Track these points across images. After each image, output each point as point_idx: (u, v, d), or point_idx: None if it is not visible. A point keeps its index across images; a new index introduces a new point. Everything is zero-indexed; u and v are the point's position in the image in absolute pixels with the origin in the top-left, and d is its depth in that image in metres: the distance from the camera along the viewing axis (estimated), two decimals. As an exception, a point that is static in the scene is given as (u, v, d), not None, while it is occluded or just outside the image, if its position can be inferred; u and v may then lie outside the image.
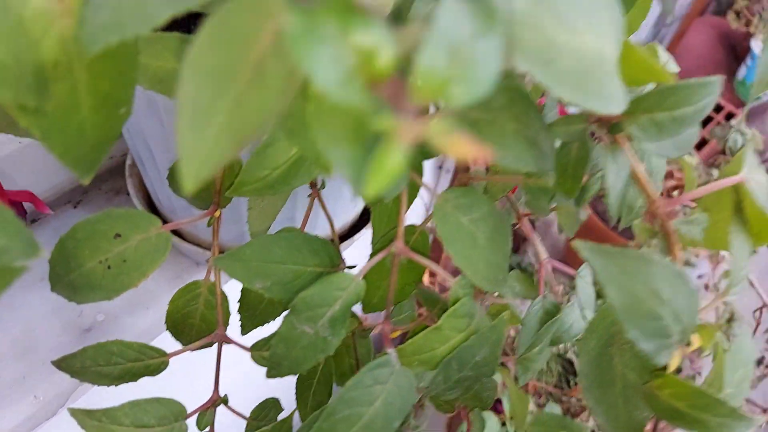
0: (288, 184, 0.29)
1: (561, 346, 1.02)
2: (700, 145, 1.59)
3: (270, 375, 0.26)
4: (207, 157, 0.12)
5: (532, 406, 1.09)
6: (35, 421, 0.50)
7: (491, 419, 0.97)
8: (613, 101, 0.20)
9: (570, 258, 1.66)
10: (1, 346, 0.53)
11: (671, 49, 1.77)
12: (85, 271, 0.26)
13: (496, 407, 1.08)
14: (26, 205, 0.44)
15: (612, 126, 0.23)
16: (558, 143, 0.26)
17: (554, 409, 1.06)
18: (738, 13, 1.69)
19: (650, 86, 0.24)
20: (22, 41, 0.15)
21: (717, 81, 0.22)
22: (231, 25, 0.12)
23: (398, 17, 0.15)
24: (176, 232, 0.56)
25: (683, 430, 0.26)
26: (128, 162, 0.59)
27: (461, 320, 0.26)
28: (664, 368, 0.26)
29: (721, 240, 0.25)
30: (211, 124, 0.12)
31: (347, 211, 0.61)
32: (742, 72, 1.67)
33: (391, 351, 0.25)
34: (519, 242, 1.55)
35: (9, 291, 0.50)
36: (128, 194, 0.58)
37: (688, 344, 0.24)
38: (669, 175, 1.10)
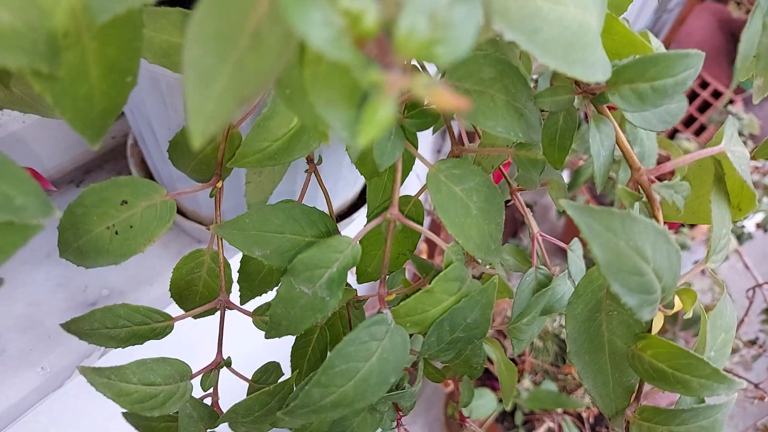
0: (288, 156, 0.30)
1: (556, 325, 1.03)
2: (699, 131, 1.60)
3: (269, 335, 0.27)
4: (212, 114, 0.14)
5: (528, 384, 1.11)
6: (42, 392, 0.52)
7: (488, 395, 0.99)
8: (598, 70, 0.21)
9: (567, 241, 1.67)
10: (8, 320, 0.54)
11: (672, 35, 1.76)
12: (93, 237, 0.27)
13: (493, 385, 1.10)
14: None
15: (596, 96, 0.24)
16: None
17: (550, 386, 1.09)
18: (739, 3, 1.69)
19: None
20: (35, 11, 0.16)
21: (697, 54, 0.23)
22: (230, -9, 0.13)
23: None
24: (179, 211, 0.57)
25: (667, 391, 0.27)
26: (130, 142, 0.60)
27: (452, 284, 0.27)
28: (649, 330, 0.27)
29: (702, 213, 0.26)
30: (215, 85, 0.13)
31: (346, 191, 0.62)
32: (742, 57, 1.66)
33: (386, 311, 0.26)
34: (517, 227, 1.56)
35: (15, 267, 0.52)
36: (130, 173, 0.59)
37: (671, 305, 0.25)
38: (665, 160, 1.10)
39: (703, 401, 0.27)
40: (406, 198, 0.31)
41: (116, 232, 0.27)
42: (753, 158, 0.27)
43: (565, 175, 1.42)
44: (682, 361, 0.25)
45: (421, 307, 0.26)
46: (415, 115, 0.28)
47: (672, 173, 0.26)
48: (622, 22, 0.23)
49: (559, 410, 1.10)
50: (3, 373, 0.51)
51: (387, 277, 0.28)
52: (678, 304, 0.24)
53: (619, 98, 0.24)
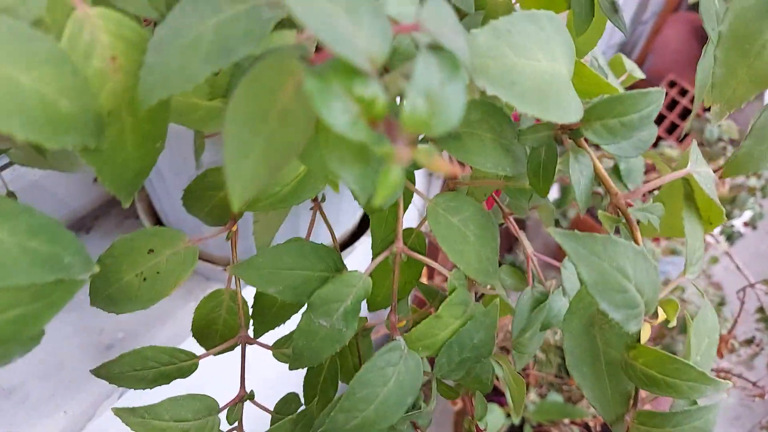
0: (297, 198, 0.33)
1: (558, 338, 1.05)
2: (682, 138, 1.64)
3: (293, 367, 0.30)
4: (248, 181, 0.16)
5: (534, 396, 1.13)
6: (66, 435, 0.54)
7: (496, 410, 1.00)
8: (571, 112, 0.24)
9: (561, 255, 1.70)
10: (30, 367, 0.56)
11: (648, 45, 1.82)
12: (124, 285, 0.30)
13: (500, 400, 1.11)
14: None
15: (573, 132, 0.27)
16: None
17: (556, 397, 1.10)
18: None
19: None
20: (86, 95, 0.19)
21: (657, 92, 0.26)
22: (261, 80, 0.16)
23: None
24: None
25: (659, 395, 0.29)
26: (138, 187, 0.63)
27: (458, 308, 0.29)
28: (639, 340, 0.30)
29: (677, 228, 0.29)
30: (249, 157, 0.16)
31: (346, 222, 0.65)
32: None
33: (399, 338, 0.28)
34: (512, 243, 1.59)
35: None
36: (137, 218, 0.61)
37: (656, 316, 0.28)
38: (652, 169, 1.14)
39: (695, 403, 0.30)
40: (409, 230, 0.34)
41: (144, 279, 0.30)
42: (720, 177, 0.30)
43: (556, 191, 1.45)
44: (670, 367, 0.27)
45: (431, 331, 0.29)
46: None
47: (649, 192, 0.29)
48: (589, 67, 0.26)
49: (567, 420, 1.11)
50: (28, 419, 0.52)
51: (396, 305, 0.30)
52: (662, 315, 0.27)
53: (592, 133, 0.26)
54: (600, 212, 0.27)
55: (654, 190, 0.27)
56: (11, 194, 0.44)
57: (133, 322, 0.61)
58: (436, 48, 0.16)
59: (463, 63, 0.18)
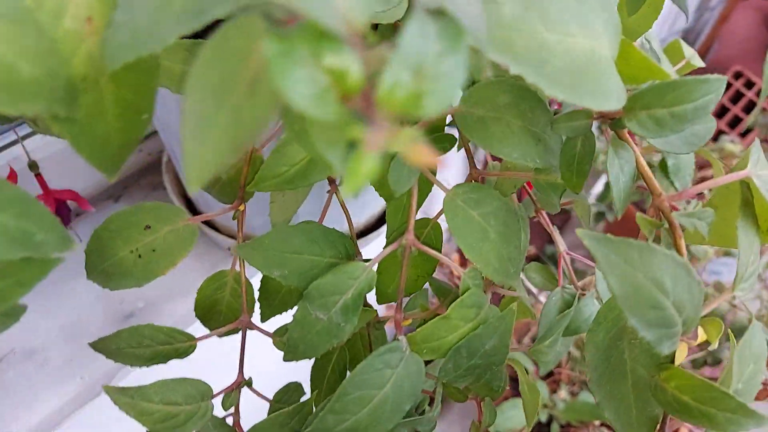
0: (305, 180, 0.31)
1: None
2: (745, 132, 1.54)
3: (286, 358, 0.28)
4: (208, 162, 0.14)
5: (565, 394, 1.09)
6: (81, 401, 0.54)
7: (521, 406, 0.96)
8: (610, 98, 0.21)
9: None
10: (52, 331, 0.56)
11: (714, 33, 1.71)
12: (118, 260, 0.28)
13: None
14: (70, 202, 0.47)
15: (613, 122, 0.24)
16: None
17: (588, 397, 1.06)
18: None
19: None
20: (55, 59, 0.17)
21: (717, 79, 0.22)
22: (227, 45, 0.13)
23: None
24: (212, 225, 0.58)
25: (691, 425, 0.26)
26: (164, 159, 0.62)
27: (470, 310, 0.27)
28: (672, 360, 0.27)
29: (730, 237, 0.25)
30: (211, 133, 0.14)
31: (368, 209, 0.63)
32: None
33: (402, 338, 0.26)
34: (548, 237, 1.54)
35: (57, 281, 0.54)
36: (165, 189, 0.61)
37: (695, 336, 0.24)
38: (708, 165, 1.07)
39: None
40: (425, 221, 0.31)
41: (139, 256, 0.28)
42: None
43: (602, 184, 1.39)
44: (706, 395, 0.24)
45: (437, 333, 0.26)
46: (433, 140, 0.28)
47: (698, 195, 0.26)
48: (638, 48, 0.22)
49: (597, 422, 1.07)
50: (46, 382, 0.53)
51: (408, 301, 0.28)
52: (702, 335, 0.24)
53: (636, 124, 0.23)
54: (638, 215, 0.23)
55: (704, 192, 0.24)
56: (33, 164, 0.43)
57: (154, 294, 0.61)
58: (437, 13, 0.13)
59: (476, 35, 0.16)
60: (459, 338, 0.26)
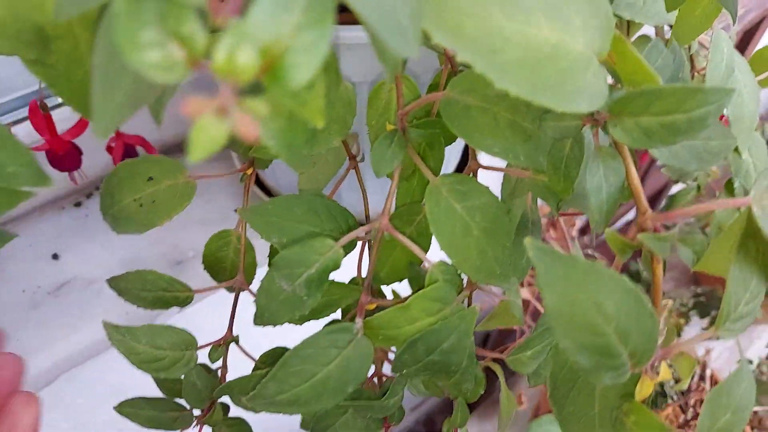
0: (309, 148, 0.31)
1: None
2: None
3: (256, 323, 0.28)
4: (113, 116, 0.15)
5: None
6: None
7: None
8: (576, 98, 0.19)
9: (701, 276, 1.52)
10: (111, 264, 0.62)
11: None
12: (124, 207, 0.30)
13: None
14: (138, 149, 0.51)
15: (603, 126, 0.22)
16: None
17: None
18: None
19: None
20: (23, 4, 0.18)
21: (716, 90, 0.19)
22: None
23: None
24: (259, 184, 0.60)
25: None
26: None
27: (433, 303, 0.26)
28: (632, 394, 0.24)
29: (724, 267, 0.23)
30: (117, 94, 0.14)
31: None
32: None
33: (359, 320, 0.26)
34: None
35: None
36: (231, 158, 0.63)
37: (656, 372, 0.22)
38: None
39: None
40: (417, 208, 0.31)
41: (141, 205, 0.30)
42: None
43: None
44: (664, 436, 0.22)
45: (395, 322, 0.26)
46: (420, 125, 0.27)
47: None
48: (631, 45, 0.20)
49: None
50: (97, 310, 0.58)
51: (371, 285, 0.28)
52: (664, 372, 0.21)
53: (620, 131, 0.21)
54: (608, 231, 0.22)
55: (696, 214, 0.21)
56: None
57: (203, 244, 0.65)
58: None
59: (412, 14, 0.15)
60: (417, 331, 0.26)
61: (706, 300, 1.31)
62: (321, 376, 0.24)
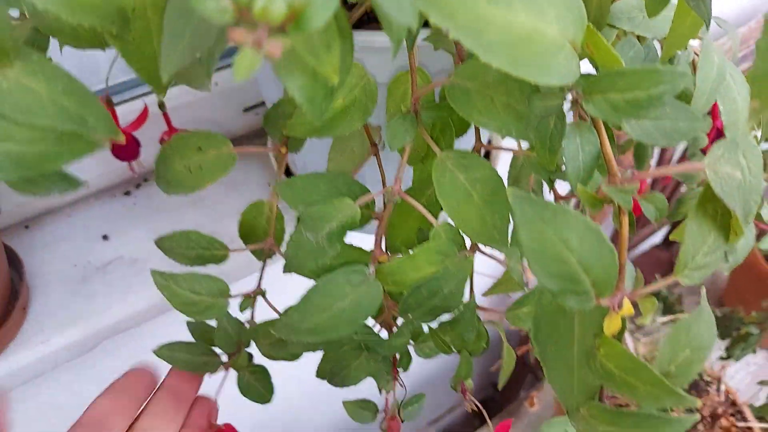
0: (331, 131, 0.36)
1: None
2: None
3: (285, 270, 0.33)
4: (177, 61, 0.20)
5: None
6: (161, 309, 0.64)
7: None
8: (551, 74, 0.23)
9: (730, 290, 1.53)
10: (154, 247, 0.67)
11: None
12: (175, 171, 0.36)
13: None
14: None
15: (577, 104, 0.26)
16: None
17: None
18: None
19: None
20: (111, -10, 0.24)
21: (669, 71, 0.24)
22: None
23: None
24: (288, 173, 0.66)
25: (617, 393, 0.27)
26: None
27: (435, 255, 0.30)
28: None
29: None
30: (181, 43, 0.19)
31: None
32: None
33: (372, 266, 0.30)
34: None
35: (172, 209, 0.64)
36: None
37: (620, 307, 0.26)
38: None
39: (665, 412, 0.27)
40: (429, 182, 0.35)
41: (190, 171, 0.35)
42: None
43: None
44: (629, 365, 0.26)
45: (402, 269, 0.30)
46: (429, 107, 0.32)
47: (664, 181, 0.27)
48: (601, 36, 0.25)
49: None
50: (140, 286, 0.63)
51: (384, 240, 0.32)
52: (626, 308, 0.25)
53: (592, 106, 0.25)
54: (580, 187, 0.26)
55: (659, 177, 0.25)
56: (161, 104, 0.49)
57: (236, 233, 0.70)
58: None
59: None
60: (421, 277, 0.30)
61: (728, 321, 1.32)
62: (337, 309, 0.29)
